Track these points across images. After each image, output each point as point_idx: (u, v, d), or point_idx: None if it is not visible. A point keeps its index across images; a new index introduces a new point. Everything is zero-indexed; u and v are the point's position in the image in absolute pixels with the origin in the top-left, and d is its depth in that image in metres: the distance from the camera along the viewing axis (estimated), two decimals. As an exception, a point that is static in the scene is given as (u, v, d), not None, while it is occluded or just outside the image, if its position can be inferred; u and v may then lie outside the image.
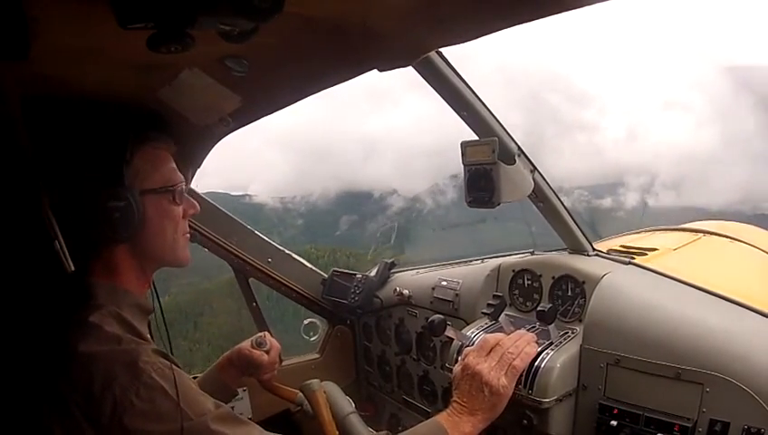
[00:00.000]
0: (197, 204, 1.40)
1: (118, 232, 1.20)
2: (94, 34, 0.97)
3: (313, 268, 2.74)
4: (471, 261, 2.43)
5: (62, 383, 1.07)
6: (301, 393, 1.79)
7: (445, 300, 2.24)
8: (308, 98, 1.50)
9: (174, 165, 1.35)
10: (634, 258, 1.96)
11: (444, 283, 2.28)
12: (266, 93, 1.49)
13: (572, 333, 1.75)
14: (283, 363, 2.05)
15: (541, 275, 1.96)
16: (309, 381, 1.77)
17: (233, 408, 1.60)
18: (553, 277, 1.92)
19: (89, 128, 1.24)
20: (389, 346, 2.56)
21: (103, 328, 1.12)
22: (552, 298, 1.90)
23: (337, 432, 1.68)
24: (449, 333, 1.76)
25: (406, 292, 2.40)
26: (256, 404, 2.18)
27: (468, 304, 2.14)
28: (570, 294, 1.86)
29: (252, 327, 2.46)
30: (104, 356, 1.08)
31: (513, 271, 2.05)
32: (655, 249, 2.15)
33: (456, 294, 2.20)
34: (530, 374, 1.62)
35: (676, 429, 1.46)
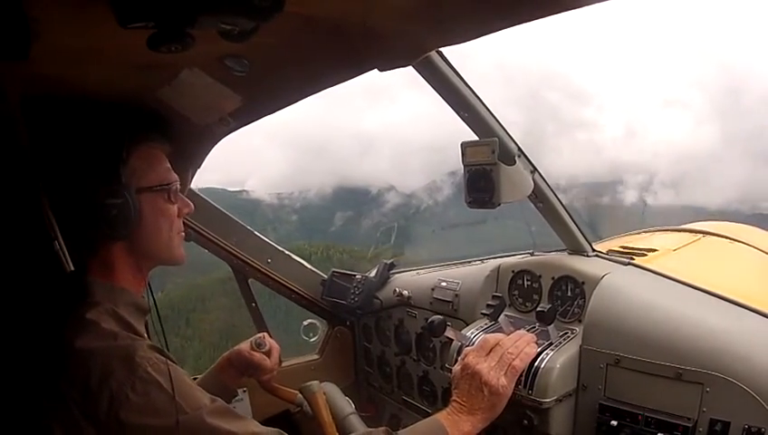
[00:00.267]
0: (192, 203, 1.42)
1: (115, 229, 1.22)
2: (94, 34, 0.97)
3: (313, 269, 2.74)
4: (471, 262, 2.43)
5: (59, 380, 1.08)
6: (300, 394, 1.79)
7: (444, 301, 2.24)
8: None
9: (168, 164, 1.36)
10: (633, 259, 1.96)
11: (443, 283, 2.27)
12: (266, 93, 1.49)
13: (572, 333, 1.75)
14: (283, 364, 2.05)
15: (540, 276, 1.96)
16: (308, 383, 1.77)
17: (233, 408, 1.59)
18: (553, 278, 1.92)
19: (86, 127, 1.25)
20: (389, 347, 2.55)
21: (100, 325, 1.14)
22: (552, 299, 1.90)
23: (337, 434, 1.68)
24: (449, 333, 1.76)
25: (405, 292, 2.40)
26: (256, 405, 2.17)
27: (468, 304, 2.14)
28: (569, 294, 1.86)
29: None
30: (101, 352, 1.09)
31: (513, 272, 2.05)
32: (654, 250, 2.15)
33: (456, 295, 2.20)
34: (530, 374, 1.62)
35: (676, 429, 1.47)
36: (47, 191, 1.26)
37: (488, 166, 1.64)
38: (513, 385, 1.53)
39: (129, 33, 0.77)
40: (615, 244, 2.34)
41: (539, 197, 1.88)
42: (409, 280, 2.52)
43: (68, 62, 1.13)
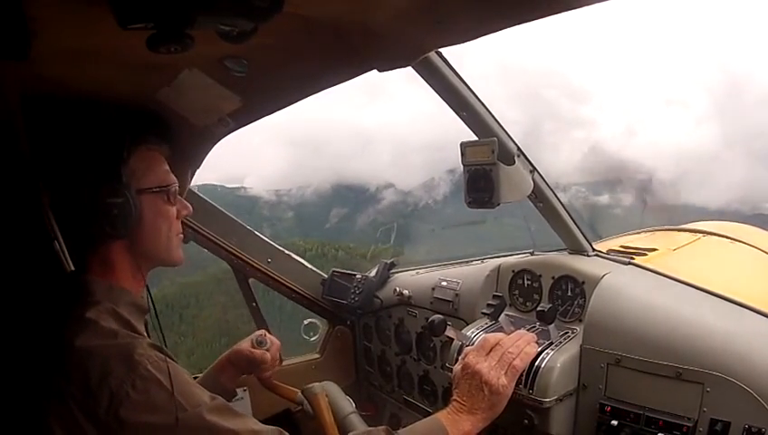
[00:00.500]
0: (190, 206, 1.42)
1: (116, 228, 1.22)
2: (94, 35, 0.97)
3: (313, 269, 2.74)
4: (471, 261, 2.43)
5: (59, 379, 1.08)
6: (301, 393, 1.79)
7: (445, 300, 2.24)
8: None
9: (167, 167, 1.37)
10: (634, 258, 1.96)
11: (444, 283, 2.28)
12: (266, 94, 1.49)
13: (572, 333, 1.75)
14: (284, 363, 2.06)
15: (540, 276, 1.96)
16: (310, 385, 1.77)
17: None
18: (553, 277, 1.92)
19: (87, 127, 1.26)
20: (389, 346, 2.56)
21: (100, 323, 1.14)
22: (552, 298, 1.90)
23: None
24: (449, 333, 1.76)
25: (406, 292, 2.40)
26: (257, 404, 2.17)
27: (468, 304, 2.14)
28: (569, 294, 1.86)
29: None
30: (100, 350, 1.10)
31: (513, 271, 2.05)
32: (654, 249, 2.15)
33: (456, 295, 2.20)
34: (530, 374, 1.62)
35: (676, 428, 1.47)
36: (47, 191, 1.26)
37: (488, 166, 1.64)
38: (514, 385, 1.53)
39: (129, 34, 0.77)
40: (615, 243, 2.34)
41: (539, 196, 1.88)
42: (410, 280, 2.53)
43: (67, 62, 1.13)
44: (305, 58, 1.28)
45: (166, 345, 1.28)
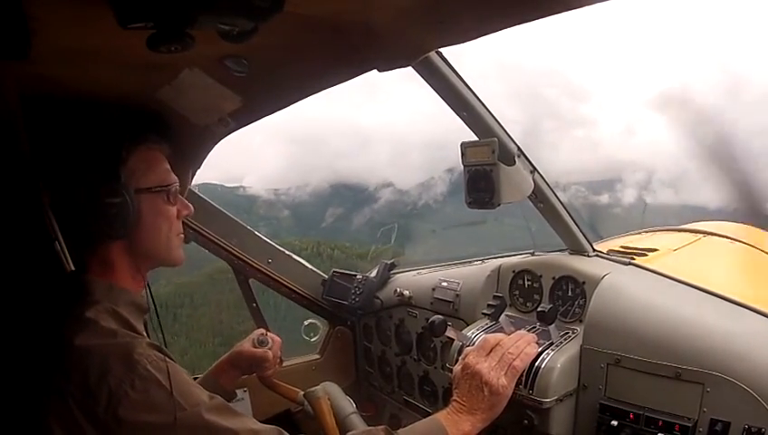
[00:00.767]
0: (191, 205, 1.41)
1: (114, 228, 1.22)
2: (94, 34, 0.98)
3: (314, 269, 2.74)
4: (471, 262, 2.42)
5: (59, 378, 1.08)
6: (302, 395, 1.79)
7: (445, 301, 2.24)
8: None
9: (168, 166, 1.36)
10: (634, 259, 1.96)
11: (444, 283, 2.27)
12: (266, 93, 1.49)
13: (573, 333, 1.75)
14: (284, 364, 2.05)
15: (541, 276, 1.96)
16: (312, 389, 1.76)
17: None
18: (554, 278, 1.92)
19: (86, 126, 1.26)
20: (390, 347, 2.55)
21: (99, 323, 1.14)
22: (553, 299, 1.90)
23: None
24: (449, 333, 1.76)
25: (406, 292, 2.40)
26: (257, 405, 2.17)
27: (468, 304, 2.14)
28: (570, 294, 1.86)
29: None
30: (99, 349, 1.10)
31: (514, 272, 2.05)
32: (655, 250, 2.15)
33: (457, 295, 2.20)
34: (530, 374, 1.62)
35: (676, 428, 1.46)
36: (47, 191, 1.26)
37: (488, 166, 1.64)
38: (514, 385, 1.53)
39: (129, 34, 0.77)
40: (615, 244, 2.34)
41: (539, 197, 1.88)
42: (410, 280, 2.52)
43: (68, 62, 1.13)
44: (306, 58, 1.28)
45: (166, 345, 1.28)
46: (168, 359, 1.14)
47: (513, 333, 1.67)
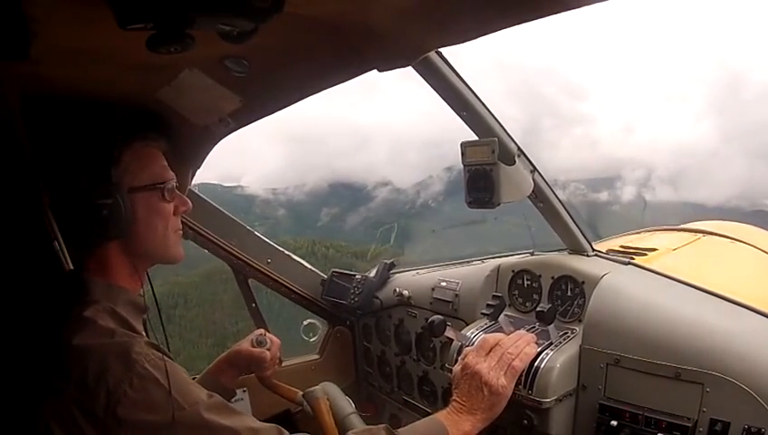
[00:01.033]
0: (189, 201, 1.41)
1: (107, 229, 1.22)
2: (94, 35, 0.97)
3: (313, 269, 2.74)
4: (470, 261, 2.43)
5: (57, 377, 1.08)
6: (301, 395, 1.79)
7: (444, 301, 2.24)
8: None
9: (164, 162, 1.36)
10: (633, 259, 1.96)
11: (443, 283, 2.27)
12: (266, 94, 1.49)
13: (572, 333, 1.75)
14: (284, 364, 2.05)
15: (540, 276, 1.96)
16: (311, 389, 1.76)
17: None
18: (553, 278, 1.92)
19: (78, 126, 1.25)
20: (389, 347, 2.55)
21: (97, 322, 1.14)
22: (552, 298, 1.90)
23: None
24: (449, 333, 1.76)
25: (405, 292, 2.40)
26: (256, 405, 2.18)
27: (468, 304, 2.14)
28: (569, 294, 1.86)
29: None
30: (98, 349, 1.10)
31: (513, 271, 2.05)
32: (654, 249, 2.15)
33: (456, 295, 2.20)
34: (530, 374, 1.62)
35: (676, 429, 1.46)
36: (47, 191, 1.26)
37: (488, 166, 1.64)
38: (513, 385, 1.53)
39: (129, 34, 0.77)
40: (615, 243, 2.34)
41: (539, 196, 1.88)
42: (409, 280, 2.52)
43: (67, 62, 1.13)
44: (305, 58, 1.28)
45: (167, 343, 1.28)
46: (166, 358, 1.14)
47: (512, 332, 1.67)
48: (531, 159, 1.80)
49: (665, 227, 2.85)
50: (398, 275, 2.64)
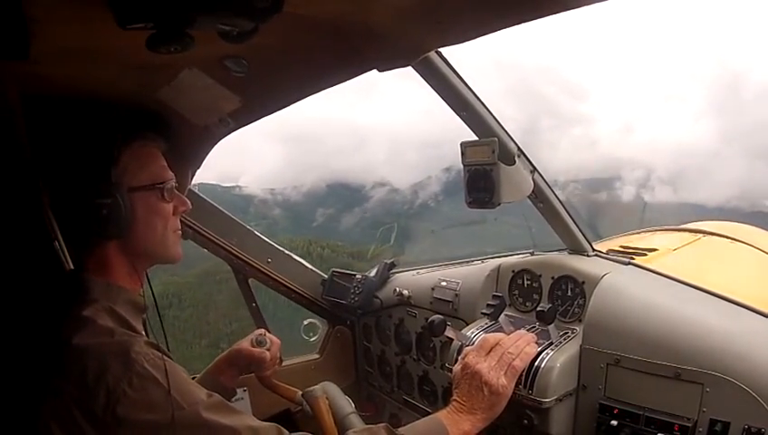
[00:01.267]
0: (189, 201, 1.41)
1: (106, 229, 1.22)
2: (94, 35, 0.97)
3: (313, 269, 2.74)
4: (471, 261, 2.43)
5: (57, 377, 1.08)
6: (301, 395, 1.79)
7: (444, 300, 2.24)
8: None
9: (164, 162, 1.35)
10: (634, 259, 1.96)
11: (443, 283, 2.27)
12: (266, 94, 1.49)
13: (572, 333, 1.75)
14: (284, 364, 2.05)
15: (540, 276, 1.96)
16: (311, 388, 1.76)
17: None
18: (553, 278, 1.92)
19: (78, 126, 1.25)
20: (389, 346, 2.56)
21: (97, 322, 1.14)
22: (552, 298, 1.90)
23: None
24: (449, 333, 1.76)
25: (405, 292, 2.40)
26: (256, 404, 2.18)
27: (468, 304, 2.14)
28: (569, 294, 1.86)
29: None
30: (97, 348, 1.10)
31: (513, 271, 2.05)
32: (654, 250, 2.15)
33: (456, 295, 2.20)
34: (530, 374, 1.62)
35: (676, 428, 1.46)
36: (47, 190, 1.26)
37: (488, 166, 1.64)
38: (513, 385, 1.53)
39: (129, 34, 0.77)
40: (615, 243, 2.34)
41: (539, 197, 1.88)
42: (409, 280, 2.52)
43: (67, 62, 1.13)
44: (305, 58, 1.28)
45: (167, 342, 1.28)
46: (166, 357, 1.14)
47: (512, 332, 1.67)
48: (530, 160, 1.80)
49: (665, 227, 2.85)
50: (398, 274, 2.64)
